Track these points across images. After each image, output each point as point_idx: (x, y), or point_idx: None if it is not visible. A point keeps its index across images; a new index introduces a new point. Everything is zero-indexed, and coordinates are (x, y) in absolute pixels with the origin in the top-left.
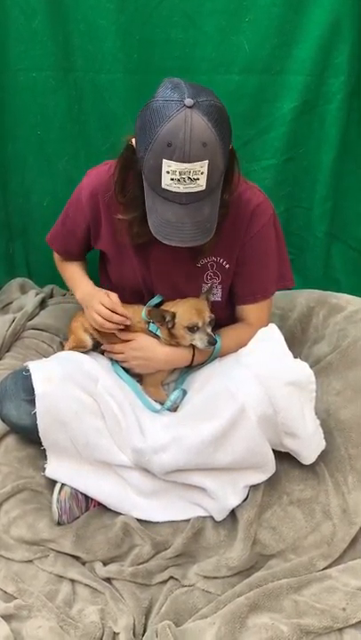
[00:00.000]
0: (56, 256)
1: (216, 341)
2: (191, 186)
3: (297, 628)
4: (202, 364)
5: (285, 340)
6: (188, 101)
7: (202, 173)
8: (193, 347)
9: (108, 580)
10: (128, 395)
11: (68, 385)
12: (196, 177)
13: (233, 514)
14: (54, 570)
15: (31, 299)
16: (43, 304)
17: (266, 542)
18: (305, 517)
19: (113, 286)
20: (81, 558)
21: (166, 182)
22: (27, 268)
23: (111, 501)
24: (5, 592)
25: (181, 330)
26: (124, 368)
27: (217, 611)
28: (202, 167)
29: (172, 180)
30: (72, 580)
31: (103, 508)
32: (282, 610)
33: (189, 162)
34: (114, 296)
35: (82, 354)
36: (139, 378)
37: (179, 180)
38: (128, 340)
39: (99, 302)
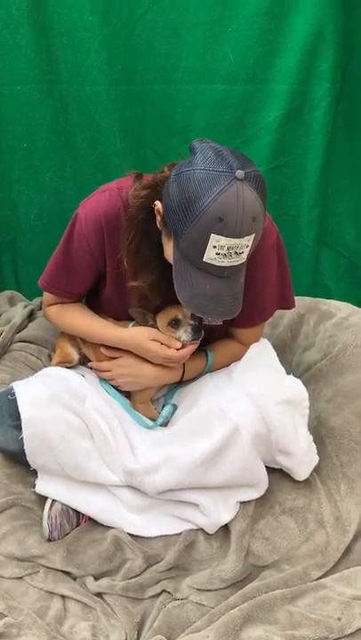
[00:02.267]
0: (51, 310)
1: (202, 332)
2: (235, 260)
3: (292, 639)
4: (193, 379)
5: (276, 347)
6: (240, 174)
7: (247, 247)
8: (183, 364)
9: (100, 594)
10: (117, 411)
11: (54, 407)
12: (241, 251)
13: (225, 525)
14: (45, 586)
15: (19, 311)
16: (31, 316)
17: (259, 553)
18: (298, 527)
19: (102, 303)
20: (72, 573)
21: (210, 256)
22: (15, 280)
23: (102, 517)
24: None
25: (166, 330)
26: (112, 385)
27: (210, 624)
28: (248, 241)
29: (217, 254)
30: (63, 596)
31: (94, 523)
32: (276, 621)
33: (239, 237)
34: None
35: (69, 370)
36: (127, 395)
37: (225, 254)
38: (115, 358)
39: (154, 347)
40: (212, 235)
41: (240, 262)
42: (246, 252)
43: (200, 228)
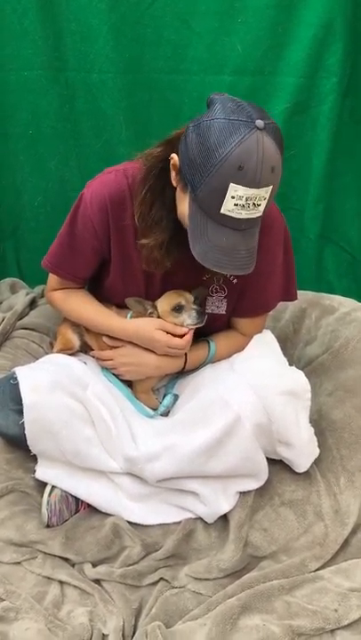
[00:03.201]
0: (55, 295)
1: (204, 313)
2: (253, 212)
3: (289, 629)
4: (194, 369)
5: (278, 340)
6: (260, 123)
7: (264, 199)
8: (185, 354)
9: (98, 581)
10: (119, 400)
11: (56, 393)
12: (259, 203)
13: (224, 515)
14: (43, 571)
15: (21, 298)
16: (33, 304)
17: (257, 544)
18: (297, 518)
19: (104, 289)
20: (70, 560)
21: (228, 207)
22: (17, 268)
23: (102, 504)
24: None
25: (168, 316)
26: (114, 374)
27: (208, 612)
28: (266, 192)
29: (235, 205)
30: (61, 582)
31: (92, 510)
32: (273, 611)
33: (258, 187)
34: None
35: (71, 357)
36: (129, 384)
37: (243, 205)
38: (117, 347)
39: (161, 336)
40: (232, 184)
41: (257, 215)
42: (263, 204)
43: (219, 177)
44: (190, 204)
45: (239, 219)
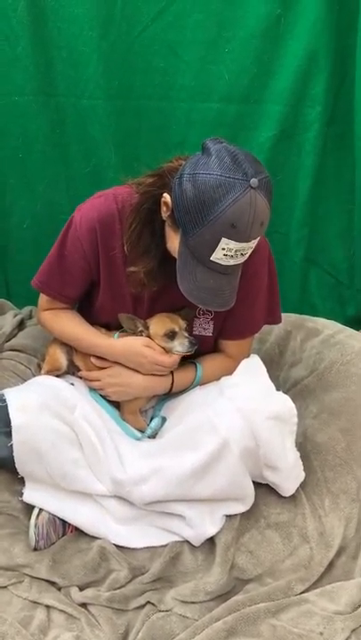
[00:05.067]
0: (44, 315)
1: (196, 343)
2: (240, 259)
3: None
4: (182, 392)
5: (263, 362)
6: (254, 182)
7: (251, 248)
8: (172, 374)
9: (85, 605)
10: (106, 422)
11: (44, 415)
12: (246, 252)
13: (210, 538)
14: (29, 596)
15: (9, 320)
16: (21, 325)
17: (243, 566)
18: (282, 541)
19: (93, 309)
20: (57, 583)
21: (217, 256)
22: (6, 288)
23: (89, 527)
24: None
25: (160, 340)
26: (102, 395)
27: (194, 636)
28: (254, 243)
29: (225, 255)
30: (47, 606)
31: (80, 533)
32: (259, 635)
33: (247, 241)
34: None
35: (59, 379)
36: (116, 405)
37: (232, 256)
38: (105, 367)
39: (148, 352)
40: (223, 238)
41: (243, 260)
42: (250, 252)
43: (212, 232)
44: (180, 245)
45: (227, 265)
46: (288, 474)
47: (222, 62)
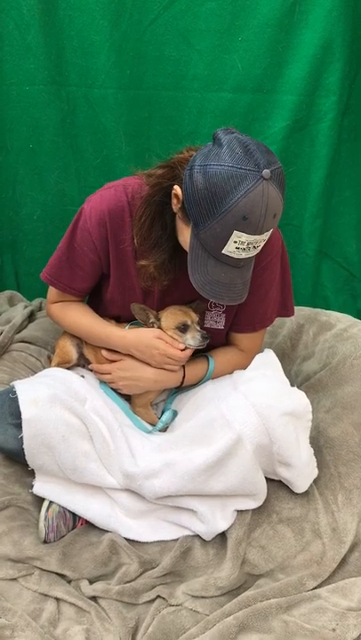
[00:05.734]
0: (54, 307)
1: (209, 337)
2: (252, 252)
3: None
4: (193, 385)
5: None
6: (266, 173)
7: (264, 241)
8: (183, 367)
9: (94, 598)
10: (117, 415)
11: (55, 407)
12: (259, 245)
13: (222, 533)
14: (39, 588)
15: (19, 311)
16: (31, 317)
17: (255, 562)
18: (294, 536)
19: (103, 302)
20: (67, 576)
21: (230, 250)
22: (16, 280)
23: (99, 520)
24: None
25: (172, 332)
26: (112, 389)
27: (205, 631)
28: (266, 236)
29: (237, 248)
30: (57, 599)
31: (90, 526)
32: (271, 630)
33: (260, 234)
34: (164, 335)
35: (70, 372)
36: (127, 398)
37: (244, 249)
38: (116, 361)
39: (160, 344)
40: (235, 231)
41: (256, 253)
42: (262, 244)
43: (224, 224)
44: (192, 238)
45: (239, 258)
46: (301, 471)
47: (235, 51)
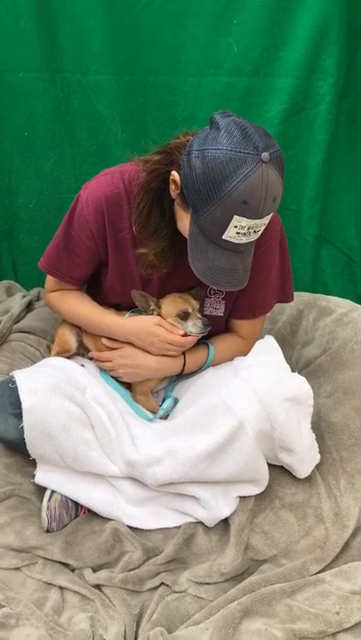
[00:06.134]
0: (52, 296)
1: (210, 324)
2: (253, 237)
3: (290, 632)
4: (194, 372)
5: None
6: (265, 156)
7: (264, 225)
8: (184, 354)
9: (98, 586)
10: (118, 403)
11: (55, 396)
12: (259, 229)
13: (224, 519)
14: (43, 577)
15: (17, 301)
16: (29, 307)
17: (258, 547)
18: (297, 521)
19: (102, 290)
20: (70, 565)
21: (230, 235)
22: (13, 270)
23: (101, 508)
24: None
25: (172, 320)
26: (113, 377)
27: (209, 616)
28: (267, 220)
29: (237, 233)
30: (61, 588)
31: (93, 514)
32: (275, 615)
33: (260, 218)
34: (163, 322)
35: (69, 360)
36: (128, 386)
37: (245, 233)
38: (116, 348)
39: (160, 331)
40: (235, 216)
41: (255, 238)
42: (263, 228)
43: (223, 209)
44: (191, 224)
45: (239, 243)
46: (303, 456)
47: (231, 34)
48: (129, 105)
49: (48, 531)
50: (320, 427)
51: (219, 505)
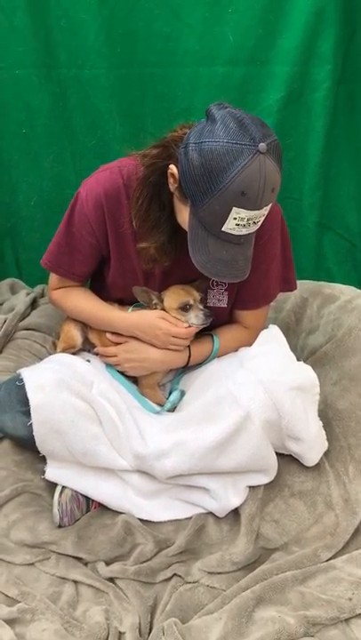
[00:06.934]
0: (55, 293)
1: (211, 315)
2: (253, 228)
3: (304, 619)
4: (199, 364)
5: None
6: (262, 147)
7: (263, 216)
8: (188, 347)
9: (112, 579)
10: (124, 397)
11: (62, 392)
12: (258, 220)
13: (235, 509)
14: (57, 572)
15: (22, 299)
16: (34, 304)
17: (269, 536)
18: (307, 509)
19: (105, 286)
20: (83, 559)
21: (230, 227)
22: (16, 267)
23: (112, 502)
24: (8, 596)
25: (175, 313)
26: (119, 371)
27: (223, 606)
28: (266, 211)
29: (237, 225)
30: (75, 582)
31: (104, 508)
32: (288, 602)
33: (259, 209)
34: (168, 316)
35: (75, 356)
36: (134, 380)
37: (244, 225)
38: (121, 343)
39: (163, 324)
40: (234, 208)
41: (255, 229)
42: (262, 219)
43: (222, 202)
44: (190, 217)
45: (239, 235)
46: (311, 444)
47: (226, 23)
48: (126, 98)
49: (60, 526)
50: (327, 414)
51: (228, 495)
